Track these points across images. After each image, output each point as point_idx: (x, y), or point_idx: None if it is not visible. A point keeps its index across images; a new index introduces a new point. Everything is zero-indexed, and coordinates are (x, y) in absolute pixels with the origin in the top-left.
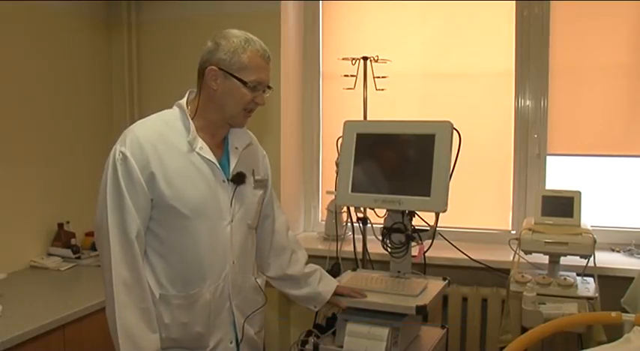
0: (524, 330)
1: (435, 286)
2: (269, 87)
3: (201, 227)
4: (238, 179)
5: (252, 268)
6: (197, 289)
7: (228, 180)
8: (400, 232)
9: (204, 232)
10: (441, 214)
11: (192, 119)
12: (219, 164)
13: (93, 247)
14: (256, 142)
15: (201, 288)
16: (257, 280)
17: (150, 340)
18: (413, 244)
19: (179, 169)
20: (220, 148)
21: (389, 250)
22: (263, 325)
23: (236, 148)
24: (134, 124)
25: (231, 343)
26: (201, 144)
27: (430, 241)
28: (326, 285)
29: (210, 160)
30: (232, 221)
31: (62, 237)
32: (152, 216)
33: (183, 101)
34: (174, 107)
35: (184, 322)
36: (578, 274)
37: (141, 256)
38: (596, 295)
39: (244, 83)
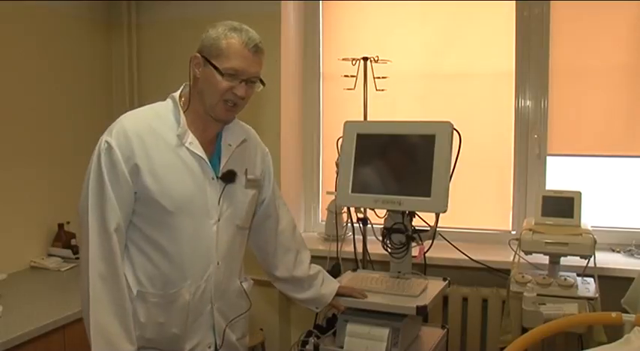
0: (524, 330)
1: (435, 286)
2: (261, 82)
3: (185, 224)
4: (228, 177)
5: (239, 271)
6: (176, 288)
7: (217, 177)
8: (400, 232)
9: (188, 229)
10: (441, 215)
11: (184, 113)
12: (210, 162)
13: None
14: (256, 140)
15: (181, 288)
16: (243, 283)
17: (123, 338)
18: (413, 244)
19: (165, 163)
20: (212, 144)
21: (389, 250)
22: (247, 331)
23: (229, 144)
24: (124, 115)
25: (209, 347)
26: (191, 139)
27: (430, 241)
28: (328, 286)
29: (199, 156)
30: (219, 220)
31: (62, 237)
32: (135, 210)
33: (177, 93)
34: (167, 99)
35: (160, 322)
36: (578, 275)
37: (120, 250)
38: (597, 295)
39: (217, 70)
